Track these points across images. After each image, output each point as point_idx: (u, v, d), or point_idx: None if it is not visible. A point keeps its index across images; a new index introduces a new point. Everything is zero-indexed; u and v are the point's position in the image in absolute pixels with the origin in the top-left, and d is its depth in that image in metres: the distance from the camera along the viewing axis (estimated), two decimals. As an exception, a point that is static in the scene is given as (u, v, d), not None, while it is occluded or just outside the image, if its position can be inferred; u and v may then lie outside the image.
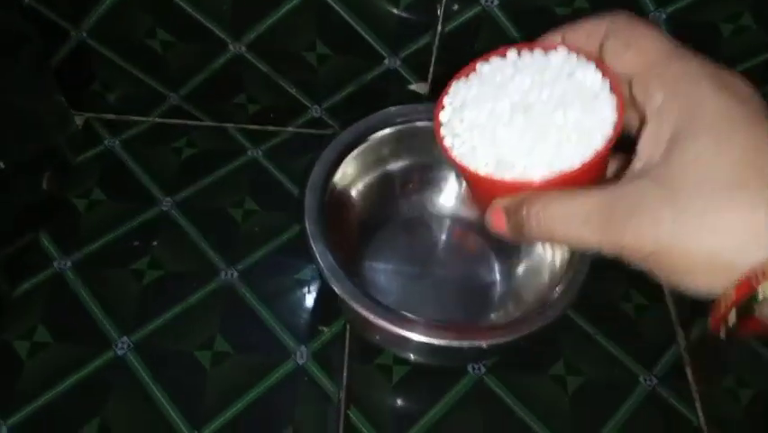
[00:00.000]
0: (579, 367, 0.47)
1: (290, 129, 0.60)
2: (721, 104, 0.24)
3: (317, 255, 0.41)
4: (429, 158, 0.52)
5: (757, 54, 0.51)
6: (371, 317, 0.38)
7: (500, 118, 0.28)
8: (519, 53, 0.30)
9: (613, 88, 0.27)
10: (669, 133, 0.24)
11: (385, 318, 0.38)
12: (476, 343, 0.38)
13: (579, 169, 0.26)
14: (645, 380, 0.47)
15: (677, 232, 0.23)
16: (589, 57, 0.28)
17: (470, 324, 0.41)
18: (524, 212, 0.27)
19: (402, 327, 0.38)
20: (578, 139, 0.26)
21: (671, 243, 0.23)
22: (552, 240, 0.27)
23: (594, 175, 0.28)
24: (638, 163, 0.26)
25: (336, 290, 0.39)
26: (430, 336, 0.38)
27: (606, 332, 0.49)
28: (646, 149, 0.25)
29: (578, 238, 0.25)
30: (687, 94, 0.24)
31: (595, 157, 0.26)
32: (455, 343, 0.38)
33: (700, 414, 0.46)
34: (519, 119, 0.27)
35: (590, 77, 0.28)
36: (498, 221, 0.28)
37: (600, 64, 0.28)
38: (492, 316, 0.47)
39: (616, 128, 0.26)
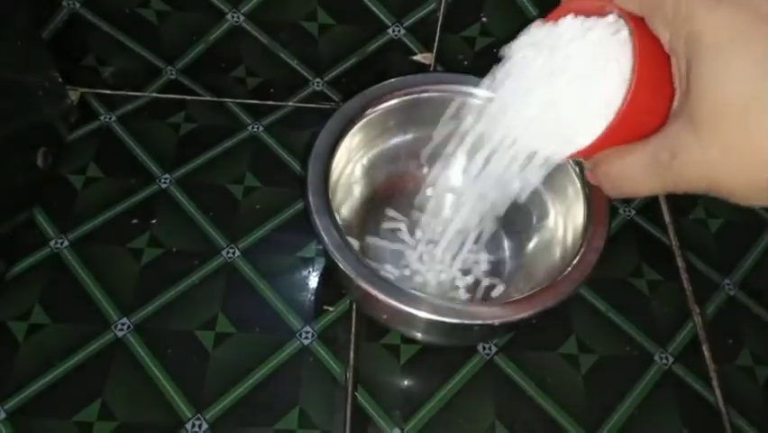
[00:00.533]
0: (591, 345, 0.46)
1: (291, 103, 0.58)
2: (717, 22, 0.23)
3: (321, 230, 0.39)
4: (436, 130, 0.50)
5: None
6: (378, 295, 0.37)
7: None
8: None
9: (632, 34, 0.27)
10: (684, 69, 0.25)
11: (392, 296, 0.37)
12: (487, 321, 0.37)
13: (616, 121, 0.27)
14: (661, 358, 0.46)
15: (713, 164, 0.23)
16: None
17: (480, 301, 0.39)
18: (597, 173, 0.30)
19: (410, 304, 0.37)
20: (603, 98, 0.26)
21: (714, 174, 0.24)
22: (627, 194, 0.29)
23: (646, 117, 0.28)
24: (675, 103, 0.27)
25: (341, 266, 0.38)
26: (439, 315, 0.37)
27: (619, 308, 0.48)
28: (677, 88, 0.26)
29: (642, 189, 0.28)
30: (687, 22, 0.24)
31: (625, 105, 0.27)
32: (465, 321, 0.37)
33: (718, 393, 0.45)
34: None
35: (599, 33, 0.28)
36: (594, 180, 0.31)
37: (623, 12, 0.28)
38: (502, 292, 0.46)
39: (633, 70, 0.27)
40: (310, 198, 0.40)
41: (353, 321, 0.46)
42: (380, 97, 0.45)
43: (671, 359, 0.46)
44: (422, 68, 0.54)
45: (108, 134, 0.54)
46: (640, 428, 0.43)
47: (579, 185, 0.44)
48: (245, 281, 0.47)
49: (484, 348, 0.45)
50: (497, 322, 0.37)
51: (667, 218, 0.53)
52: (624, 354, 0.46)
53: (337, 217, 0.40)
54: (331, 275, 0.47)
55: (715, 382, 0.45)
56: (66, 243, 0.48)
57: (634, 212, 0.53)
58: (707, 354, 0.46)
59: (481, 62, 0.53)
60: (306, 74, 0.55)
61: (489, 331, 0.42)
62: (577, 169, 0.44)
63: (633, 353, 0.46)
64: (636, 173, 0.27)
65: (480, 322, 0.37)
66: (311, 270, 0.48)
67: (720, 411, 0.44)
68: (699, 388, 0.45)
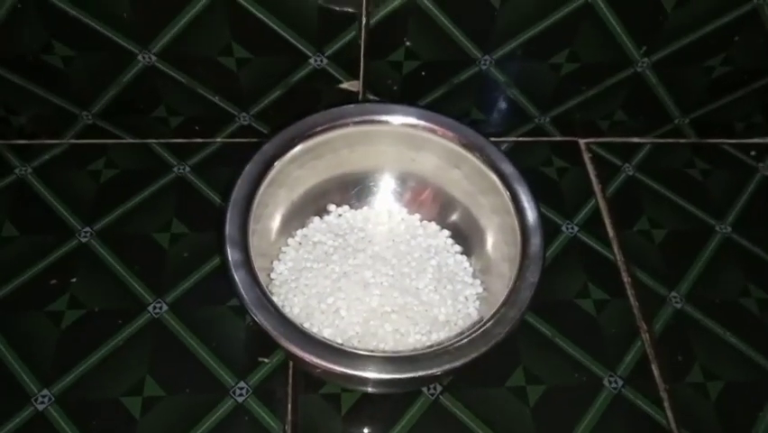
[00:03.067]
0: (539, 375, 0.44)
1: (219, 140, 0.55)
2: None
3: (241, 288, 0.37)
4: (368, 161, 0.48)
5: (703, 25, 0.48)
6: (308, 357, 0.35)
7: None
8: None
9: None
10: None
11: (320, 356, 0.35)
12: (422, 373, 0.35)
13: None
14: (610, 382, 0.44)
15: None
16: None
17: (419, 352, 0.37)
18: None
19: (341, 364, 0.35)
20: None
21: None
22: None
23: None
24: None
25: (264, 326, 0.36)
26: (374, 372, 0.35)
27: (565, 333, 0.46)
28: None
29: None
30: None
31: None
32: (405, 375, 0.35)
33: (670, 414, 0.43)
34: None
35: None
36: None
37: None
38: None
39: None
40: (228, 253, 0.38)
41: (290, 373, 0.43)
42: (301, 134, 0.43)
43: (620, 382, 0.44)
44: (350, 95, 0.52)
45: (24, 188, 0.51)
46: (593, 460, 0.41)
47: (512, 209, 0.42)
48: (174, 338, 0.44)
49: (429, 389, 0.43)
50: (437, 372, 0.35)
51: (611, 232, 0.52)
52: (572, 382, 0.44)
53: (258, 271, 0.38)
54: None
55: (666, 403, 0.44)
56: (-21, 312, 0.45)
57: (577, 228, 0.52)
58: (656, 373, 0.45)
59: (412, 85, 0.51)
60: (230, 109, 0.53)
61: (429, 379, 0.40)
62: (509, 193, 0.42)
63: (582, 379, 0.44)
64: None
65: (415, 375, 0.35)
66: (242, 320, 0.45)
67: (673, 433, 0.43)
68: (650, 411, 0.43)
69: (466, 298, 0.45)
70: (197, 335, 0.44)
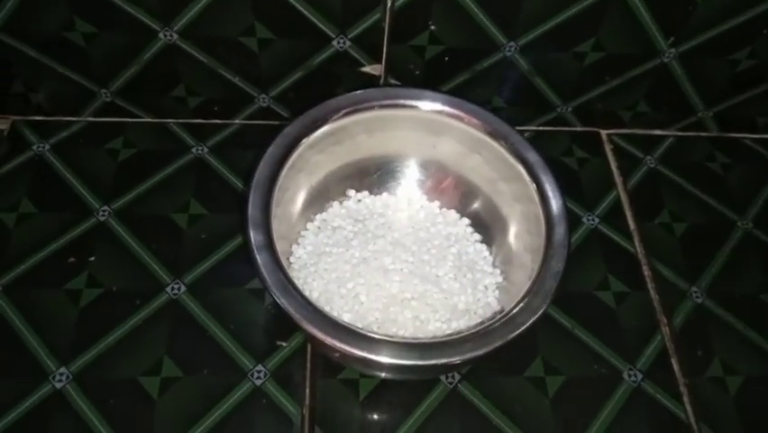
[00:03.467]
0: (558, 366, 0.44)
1: (237, 122, 0.55)
2: None
3: (263, 270, 0.37)
4: (389, 147, 0.48)
5: (732, 17, 0.48)
6: (329, 341, 0.35)
7: None
8: None
9: None
10: None
11: (341, 340, 0.35)
12: (444, 361, 0.35)
13: None
14: (630, 375, 0.44)
15: None
16: None
17: (438, 339, 0.37)
18: None
19: (361, 348, 0.34)
20: None
21: None
22: None
23: None
24: None
25: (285, 308, 0.36)
26: (396, 357, 0.34)
27: (585, 325, 0.46)
28: None
29: None
30: None
31: None
32: (424, 362, 0.35)
33: (689, 408, 0.43)
34: None
35: None
36: None
37: None
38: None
39: None
40: (251, 235, 0.38)
41: (308, 357, 0.43)
42: (324, 118, 0.43)
43: (640, 375, 0.44)
44: (372, 79, 0.51)
45: (41, 165, 0.51)
46: (611, 452, 0.41)
47: (537, 198, 0.42)
48: (192, 320, 0.44)
49: (447, 377, 0.43)
50: (456, 361, 0.35)
51: (632, 225, 0.52)
52: (592, 374, 0.44)
53: (279, 254, 0.38)
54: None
55: (686, 398, 0.44)
56: (-3, 288, 0.44)
57: (598, 220, 0.52)
58: (676, 367, 0.45)
59: (434, 70, 0.51)
60: (250, 90, 0.52)
61: (449, 367, 0.40)
62: (534, 184, 0.42)
63: (601, 371, 0.44)
64: None
65: (437, 362, 0.35)
66: (261, 303, 0.45)
67: (691, 428, 0.42)
68: (669, 405, 0.43)
69: (486, 287, 0.45)
70: (216, 317, 0.44)
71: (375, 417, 0.42)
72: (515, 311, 0.37)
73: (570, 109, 0.55)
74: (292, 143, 0.41)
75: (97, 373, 0.41)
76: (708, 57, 0.51)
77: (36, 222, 0.48)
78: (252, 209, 0.38)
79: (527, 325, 0.36)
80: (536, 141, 0.56)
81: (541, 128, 0.57)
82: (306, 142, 0.42)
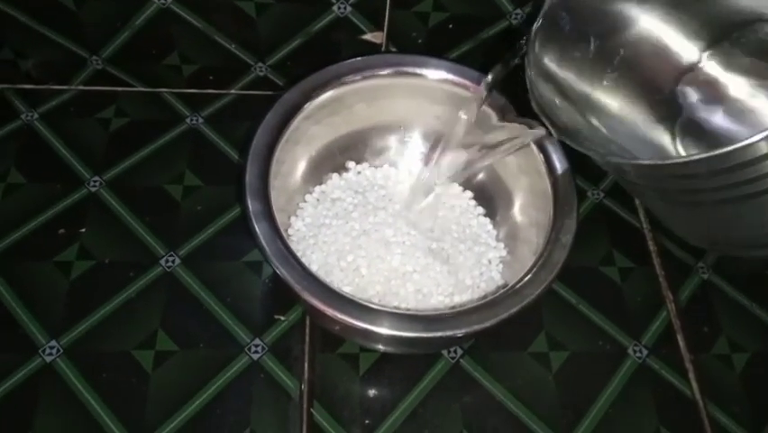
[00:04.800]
0: (562, 342, 0.43)
1: (233, 91, 0.53)
2: None
3: (262, 239, 0.35)
4: (389, 117, 0.46)
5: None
6: (327, 310, 0.33)
7: None
8: None
9: None
10: None
11: (342, 311, 0.33)
12: (449, 333, 0.34)
13: None
14: (635, 351, 0.43)
15: None
16: None
17: (440, 312, 0.36)
18: None
19: (363, 319, 0.33)
20: None
21: None
22: None
23: None
24: None
25: (285, 279, 0.34)
26: (397, 329, 0.33)
27: (589, 300, 0.45)
28: None
29: None
30: None
31: None
32: (426, 334, 0.34)
33: (694, 384, 0.42)
34: None
35: None
36: None
37: None
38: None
39: None
40: (249, 203, 0.36)
41: (307, 330, 0.42)
42: (323, 85, 0.41)
43: (645, 351, 0.43)
44: (373, 47, 0.50)
45: (30, 135, 0.49)
46: (616, 429, 0.40)
47: (544, 170, 0.40)
48: (187, 293, 0.43)
49: (449, 352, 0.42)
50: (460, 333, 0.34)
51: (636, 199, 0.50)
52: (596, 349, 0.43)
53: (281, 221, 0.36)
54: (280, 282, 0.44)
55: (691, 375, 0.43)
56: (-16, 259, 0.43)
57: (603, 194, 0.50)
58: (682, 344, 0.44)
59: (436, 39, 0.49)
60: (246, 59, 0.51)
61: (451, 340, 0.39)
62: (542, 156, 0.40)
63: (605, 347, 0.43)
64: None
65: (441, 335, 0.34)
66: (258, 276, 0.44)
67: (697, 404, 0.42)
68: (675, 381, 0.42)
69: (489, 261, 0.44)
70: (212, 290, 0.43)
71: (375, 392, 0.41)
72: (521, 284, 0.36)
73: (575, 81, 0.54)
74: (290, 111, 0.40)
75: (89, 347, 0.40)
76: None
77: (25, 192, 0.46)
78: (250, 177, 0.37)
79: (534, 297, 0.35)
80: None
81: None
82: (304, 110, 0.41)
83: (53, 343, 0.40)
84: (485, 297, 0.40)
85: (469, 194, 0.47)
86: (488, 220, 0.46)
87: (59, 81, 0.52)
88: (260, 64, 0.51)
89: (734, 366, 0.44)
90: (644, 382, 0.42)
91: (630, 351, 0.43)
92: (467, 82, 0.43)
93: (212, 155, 0.50)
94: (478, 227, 0.45)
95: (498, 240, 0.45)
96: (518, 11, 0.47)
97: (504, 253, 0.44)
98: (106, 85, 0.52)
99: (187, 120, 0.51)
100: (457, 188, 0.47)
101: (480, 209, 0.46)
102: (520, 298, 0.35)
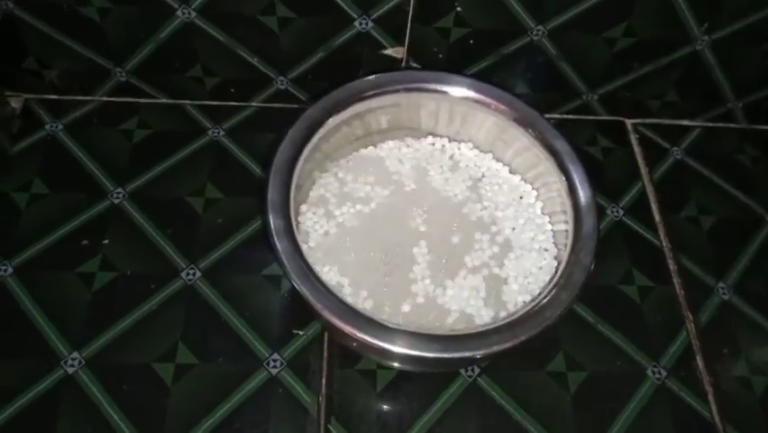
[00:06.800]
0: (580, 361, 0.43)
1: (255, 104, 0.54)
2: None
3: (283, 256, 0.36)
4: (413, 132, 0.46)
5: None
6: (346, 329, 0.34)
7: None
8: None
9: None
10: None
11: (362, 330, 0.34)
12: (467, 354, 0.34)
13: None
14: (654, 372, 0.43)
15: None
16: None
17: (459, 333, 0.36)
18: None
19: (382, 338, 0.33)
20: None
21: None
22: None
23: None
24: None
25: (305, 296, 0.35)
26: (416, 349, 0.33)
27: (608, 320, 0.45)
28: None
29: None
30: None
31: None
32: (444, 355, 0.34)
33: (714, 407, 0.42)
34: None
35: None
36: None
37: None
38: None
39: None
40: (271, 220, 0.37)
41: (325, 346, 0.42)
42: (346, 101, 0.42)
43: (664, 373, 0.43)
44: (394, 62, 0.50)
45: (54, 145, 0.50)
46: (633, 451, 0.40)
47: (565, 190, 0.40)
48: (207, 306, 0.43)
49: (467, 370, 0.42)
50: (478, 355, 0.34)
51: (657, 217, 0.50)
52: (615, 370, 0.43)
53: (299, 241, 0.37)
54: (300, 297, 0.44)
55: (711, 397, 0.42)
56: (9, 270, 0.43)
57: (622, 212, 0.50)
58: (701, 365, 0.44)
59: (457, 54, 0.49)
60: (268, 72, 0.51)
61: (469, 360, 0.39)
62: (562, 176, 0.40)
63: (624, 367, 0.43)
64: None
65: (459, 356, 0.34)
66: (278, 290, 0.44)
67: (717, 427, 0.41)
68: (694, 403, 0.42)
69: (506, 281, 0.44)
70: (231, 303, 0.43)
71: (392, 408, 0.41)
72: (541, 304, 0.36)
73: (595, 97, 0.54)
74: (313, 126, 0.40)
75: (110, 359, 0.41)
76: (742, 45, 0.49)
77: (48, 203, 0.47)
78: (272, 194, 0.37)
79: (554, 319, 0.35)
80: (560, 128, 0.55)
81: (565, 116, 0.56)
82: (326, 125, 0.41)
83: (75, 354, 0.41)
84: (512, 313, 0.40)
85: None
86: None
87: (83, 92, 0.52)
88: (281, 78, 0.51)
89: (754, 389, 0.43)
90: (663, 403, 0.42)
91: (649, 372, 0.43)
92: (489, 99, 0.43)
93: (233, 167, 0.50)
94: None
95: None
96: (540, 27, 0.47)
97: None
98: (130, 96, 0.53)
99: (209, 132, 0.52)
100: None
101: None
102: (541, 319, 0.35)
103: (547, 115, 0.54)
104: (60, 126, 0.51)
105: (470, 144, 0.46)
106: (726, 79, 0.52)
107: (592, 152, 0.54)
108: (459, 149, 0.47)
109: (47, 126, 0.51)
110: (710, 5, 0.46)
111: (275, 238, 0.36)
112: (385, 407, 0.41)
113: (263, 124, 0.53)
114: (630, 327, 0.45)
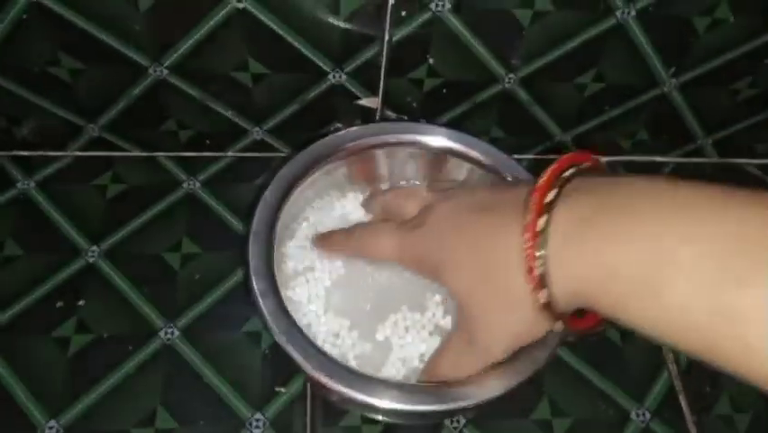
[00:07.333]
0: (564, 408, 0.43)
1: (231, 154, 0.53)
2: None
3: (267, 316, 0.35)
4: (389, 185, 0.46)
5: (734, 48, 0.47)
6: (336, 388, 0.33)
7: None
8: None
9: None
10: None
11: (352, 387, 0.33)
12: (453, 406, 0.34)
13: None
14: (638, 415, 0.43)
15: None
16: None
17: (444, 384, 0.36)
18: None
19: (371, 394, 0.33)
20: None
21: None
22: None
23: None
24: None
25: (294, 356, 0.34)
26: (402, 403, 0.33)
27: (591, 363, 0.45)
28: None
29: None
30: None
31: None
32: (430, 408, 0.34)
33: (698, 449, 0.42)
34: None
35: None
36: None
37: None
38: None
39: None
40: (254, 283, 0.36)
41: (308, 403, 0.42)
42: (321, 157, 0.42)
43: (648, 415, 0.43)
44: (368, 112, 0.50)
45: (27, 204, 0.49)
46: (621, 498, 0.40)
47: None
48: (187, 366, 0.42)
49: (452, 421, 0.42)
50: (464, 405, 0.34)
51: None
52: (599, 415, 0.43)
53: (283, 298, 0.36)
54: (281, 354, 0.43)
55: (695, 438, 0.43)
56: (-19, 337, 0.42)
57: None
58: (684, 404, 0.44)
59: (431, 103, 0.50)
60: (243, 124, 0.51)
61: (458, 410, 0.39)
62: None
63: (608, 412, 0.43)
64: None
65: (445, 408, 0.34)
66: (258, 346, 0.44)
67: (702, 469, 0.42)
68: (679, 445, 0.42)
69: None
70: (211, 362, 0.43)
71: (378, 465, 0.40)
72: (519, 360, 0.36)
73: (569, 139, 0.55)
74: (288, 186, 0.40)
75: (89, 426, 0.40)
76: (709, 86, 0.50)
77: (22, 264, 0.46)
78: (253, 259, 0.37)
79: (543, 361, 0.35)
80: (534, 169, 0.56)
81: (539, 157, 0.56)
82: (303, 183, 0.41)
83: (52, 423, 0.40)
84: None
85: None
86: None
87: (54, 147, 0.52)
88: (256, 129, 0.51)
89: (736, 427, 0.44)
90: (648, 447, 0.42)
91: (633, 415, 0.43)
92: (465, 149, 0.43)
93: (209, 220, 0.50)
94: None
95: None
96: (511, 75, 0.48)
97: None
98: (102, 150, 0.52)
99: (184, 184, 0.51)
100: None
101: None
102: (530, 362, 0.35)
103: (522, 156, 0.56)
104: (33, 184, 0.50)
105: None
106: (694, 118, 0.53)
107: (568, 191, 0.54)
108: None
109: (18, 184, 0.50)
110: (676, 51, 0.47)
111: (260, 301, 0.36)
112: (371, 464, 0.40)
113: (240, 174, 0.52)
114: (612, 369, 0.45)
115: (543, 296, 0.29)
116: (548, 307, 0.29)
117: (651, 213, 0.26)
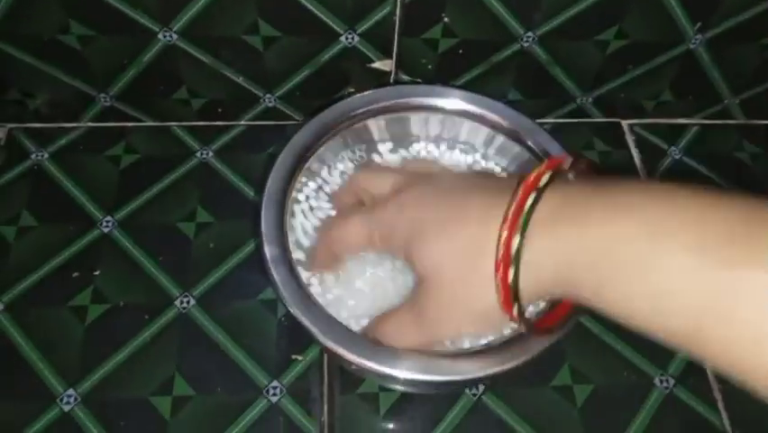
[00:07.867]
0: (586, 374, 0.42)
1: (243, 123, 0.53)
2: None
3: (280, 284, 0.35)
4: (407, 150, 0.45)
5: (763, 1, 0.45)
6: (347, 356, 0.33)
7: None
8: None
9: None
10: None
11: (366, 357, 0.33)
12: (471, 376, 0.33)
13: None
14: (662, 381, 0.42)
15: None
16: None
17: (462, 353, 0.35)
18: None
19: (386, 364, 0.33)
20: None
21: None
22: None
23: None
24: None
25: (305, 324, 0.34)
26: (420, 373, 0.33)
27: (613, 329, 0.44)
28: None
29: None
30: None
31: None
32: (449, 378, 0.33)
33: (724, 415, 0.41)
34: None
35: None
36: None
37: None
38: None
39: None
40: (266, 250, 0.35)
41: (325, 370, 0.41)
42: (336, 122, 0.41)
43: (672, 381, 0.42)
44: (382, 75, 0.49)
45: (41, 175, 0.49)
46: (644, 464, 0.39)
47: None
48: (203, 334, 0.42)
49: (471, 389, 0.41)
50: (482, 374, 0.33)
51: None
52: (622, 381, 0.42)
53: (298, 268, 0.36)
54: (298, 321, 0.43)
55: (720, 404, 0.42)
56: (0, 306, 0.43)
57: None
58: (710, 372, 0.43)
59: (447, 65, 0.48)
60: (255, 90, 0.50)
61: (477, 380, 0.38)
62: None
63: (631, 378, 0.42)
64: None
65: (464, 378, 0.33)
66: (274, 315, 0.43)
67: (728, 436, 0.41)
68: (704, 412, 0.41)
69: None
70: (228, 331, 0.42)
71: (397, 431, 0.40)
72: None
73: (590, 100, 0.53)
74: (302, 152, 0.39)
75: (106, 394, 0.40)
76: (736, 43, 0.48)
77: (37, 235, 0.46)
78: (265, 225, 0.36)
79: (563, 330, 0.34)
80: (555, 134, 0.54)
81: (560, 120, 0.55)
82: (316, 150, 0.40)
83: (71, 391, 0.40)
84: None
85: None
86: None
87: (67, 119, 0.51)
88: (268, 95, 0.50)
89: (764, 394, 0.42)
90: (673, 413, 0.41)
91: (657, 381, 0.42)
92: (483, 111, 0.42)
93: (223, 189, 0.49)
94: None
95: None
96: (530, 33, 0.46)
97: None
98: (115, 121, 0.52)
99: (197, 154, 0.51)
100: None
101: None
102: (539, 341, 0.34)
103: (542, 120, 0.54)
104: (46, 155, 0.50)
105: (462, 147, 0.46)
106: (721, 77, 0.51)
107: (589, 155, 0.53)
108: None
109: (32, 156, 0.50)
110: (703, 5, 0.45)
111: (272, 269, 0.35)
112: (389, 430, 0.40)
113: (252, 143, 0.52)
114: (635, 336, 0.43)
115: (510, 275, 0.28)
116: (512, 291, 0.28)
117: (640, 198, 0.26)
